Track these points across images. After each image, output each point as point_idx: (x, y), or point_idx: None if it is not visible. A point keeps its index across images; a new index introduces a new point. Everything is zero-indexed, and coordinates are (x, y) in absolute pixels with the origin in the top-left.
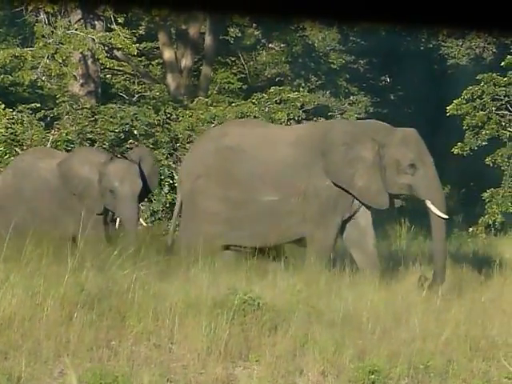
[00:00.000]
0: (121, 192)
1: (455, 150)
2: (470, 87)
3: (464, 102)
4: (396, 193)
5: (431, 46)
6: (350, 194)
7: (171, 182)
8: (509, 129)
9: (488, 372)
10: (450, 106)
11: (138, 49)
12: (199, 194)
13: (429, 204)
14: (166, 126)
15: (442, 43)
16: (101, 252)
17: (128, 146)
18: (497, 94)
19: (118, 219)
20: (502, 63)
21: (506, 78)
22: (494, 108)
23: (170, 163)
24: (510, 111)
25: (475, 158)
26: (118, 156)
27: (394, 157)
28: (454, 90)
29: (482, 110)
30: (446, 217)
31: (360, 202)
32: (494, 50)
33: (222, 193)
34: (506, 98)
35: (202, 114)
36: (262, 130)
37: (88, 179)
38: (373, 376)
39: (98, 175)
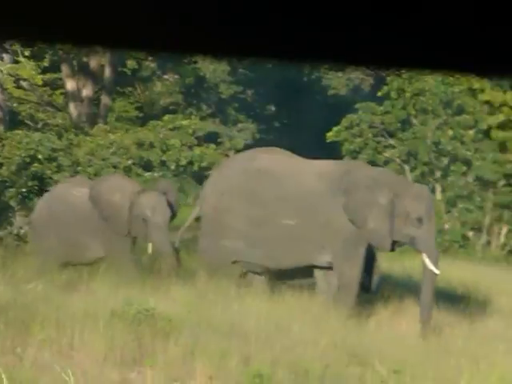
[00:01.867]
0: (153, 221)
1: None
2: (349, 115)
3: (343, 129)
4: (398, 240)
5: (314, 77)
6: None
7: None
8: (384, 154)
9: (363, 376)
10: (330, 133)
11: (42, 79)
12: (222, 210)
13: (425, 257)
14: (69, 151)
15: (324, 75)
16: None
17: (34, 169)
18: (373, 122)
19: (150, 244)
20: (379, 93)
21: (381, 107)
22: (370, 135)
23: None
24: (385, 137)
25: None
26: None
27: (406, 209)
28: (334, 118)
29: (359, 137)
30: (438, 272)
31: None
32: (372, 82)
33: (244, 210)
34: (382, 126)
35: (101, 140)
36: (289, 159)
37: (118, 205)
38: (257, 380)
39: (129, 202)
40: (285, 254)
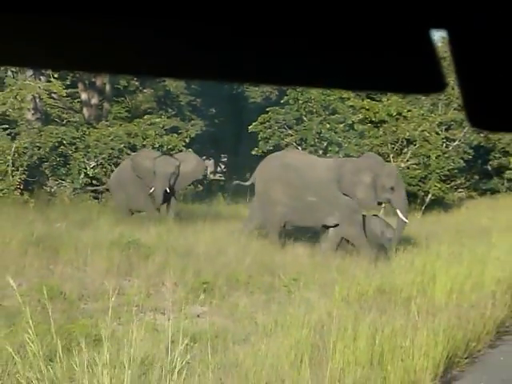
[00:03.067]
0: (157, 173)
1: (254, 152)
2: (263, 115)
3: (259, 124)
4: (381, 201)
5: (240, 90)
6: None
7: (85, 171)
8: (285, 140)
9: (273, 283)
10: (251, 126)
11: (66, 92)
12: (270, 189)
13: (398, 211)
14: (83, 138)
15: (246, 89)
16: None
17: (60, 150)
18: (278, 119)
19: (152, 188)
20: (282, 101)
21: (283, 110)
22: (276, 127)
23: (85, 160)
24: (286, 129)
25: (265, 157)
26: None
27: (382, 182)
28: (253, 117)
29: (269, 129)
30: (407, 221)
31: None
32: (277, 93)
33: (283, 190)
34: (284, 122)
35: (103, 131)
36: (308, 157)
37: (147, 167)
38: (205, 285)
39: (153, 165)
40: (309, 218)
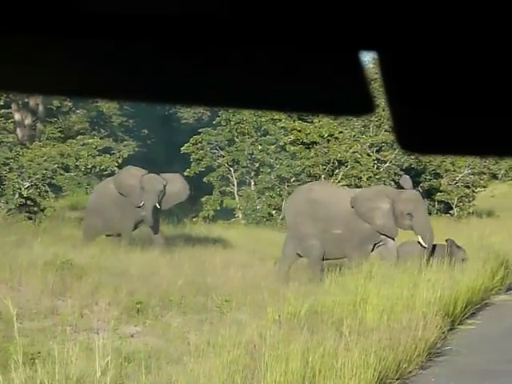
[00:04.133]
0: (146, 189)
1: (186, 173)
2: (195, 136)
3: (191, 145)
4: (401, 228)
5: (172, 111)
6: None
7: (20, 191)
8: (217, 161)
9: (205, 303)
10: (183, 147)
11: None
12: (299, 224)
13: (419, 237)
14: (17, 158)
15: (178, 110)
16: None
17: None
18: (210, 140)
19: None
20: (214, 122)
21: (215, 131)
22: (208, 148)
23: (19, 180)
24: (218, 150)
25: (198, 178)
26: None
27: (400, 208)
28: (185, 138)
29: (201, 150)
30: (427, 246)
31: (379, 232)
32: (209, 114)
33: (311, 224)
34: (216, 143)
35: (37, 152)
36: (333, 189)
37: (133, 185)
38: (138, 305)
39: (139, 182)
40: (336, 250)
